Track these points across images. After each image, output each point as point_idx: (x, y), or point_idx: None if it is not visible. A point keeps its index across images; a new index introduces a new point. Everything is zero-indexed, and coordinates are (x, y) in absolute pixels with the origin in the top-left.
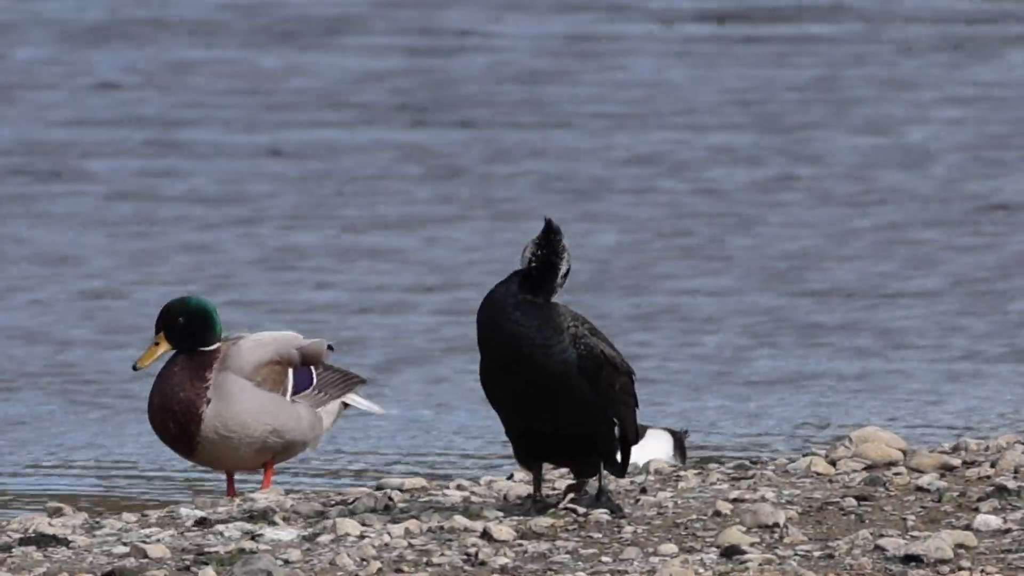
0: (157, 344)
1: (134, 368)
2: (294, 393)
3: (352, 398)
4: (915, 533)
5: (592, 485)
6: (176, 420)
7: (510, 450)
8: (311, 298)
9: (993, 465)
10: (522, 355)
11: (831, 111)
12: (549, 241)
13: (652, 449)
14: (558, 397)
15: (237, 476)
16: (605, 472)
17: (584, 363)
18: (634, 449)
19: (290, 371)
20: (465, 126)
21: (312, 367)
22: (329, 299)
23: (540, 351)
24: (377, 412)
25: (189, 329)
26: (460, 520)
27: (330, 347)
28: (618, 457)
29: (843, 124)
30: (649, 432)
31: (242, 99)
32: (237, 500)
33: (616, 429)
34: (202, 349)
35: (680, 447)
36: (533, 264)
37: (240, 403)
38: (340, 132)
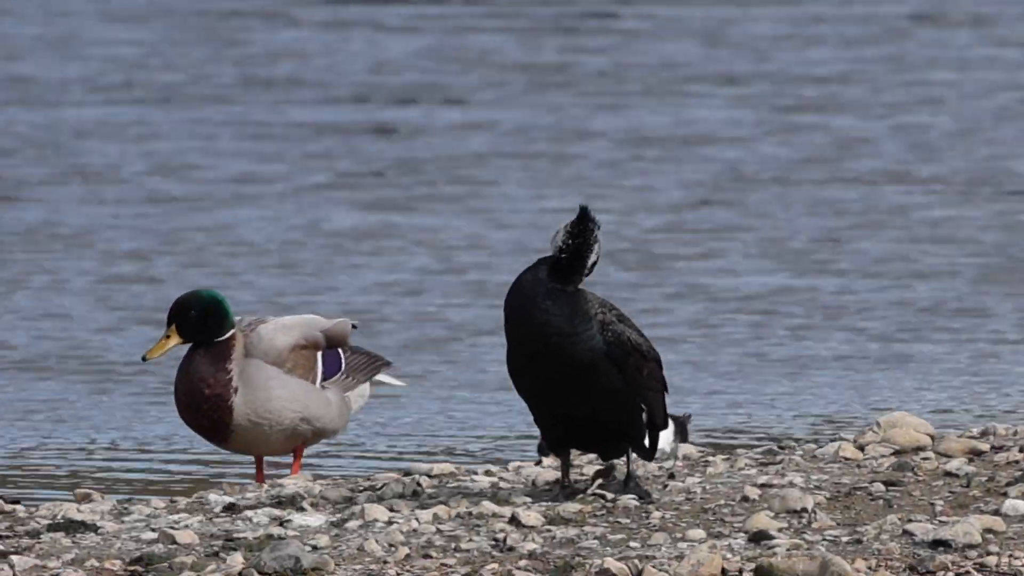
0: (168, 337)
1: (143, 359)
2: (324, 379)
3: (382, 376)
4: (943, 518)
5: (620, 471)
6: (207, 413)
7: (539, 435)
8: (344, 281)
9: (1022, 450)
10: (550, 343)
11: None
12: (582, 230)
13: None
14: (586, 384)
15: (266, 461)
16: (633, 457)
17: (612, 350)
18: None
19: (319, 356)
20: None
21: (340, 349)
22: (359, 281)
23: (568, 339)
24: (403, 385)
25: (201, 322)
26: (488, 506)
27: (354, 326)
28: (646, 442)
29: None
30: None
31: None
32: (265, 486)
33: (644, 415)
34: (216, 340)
35: (682, 431)
36: (563, 252)
37: (269, 390)
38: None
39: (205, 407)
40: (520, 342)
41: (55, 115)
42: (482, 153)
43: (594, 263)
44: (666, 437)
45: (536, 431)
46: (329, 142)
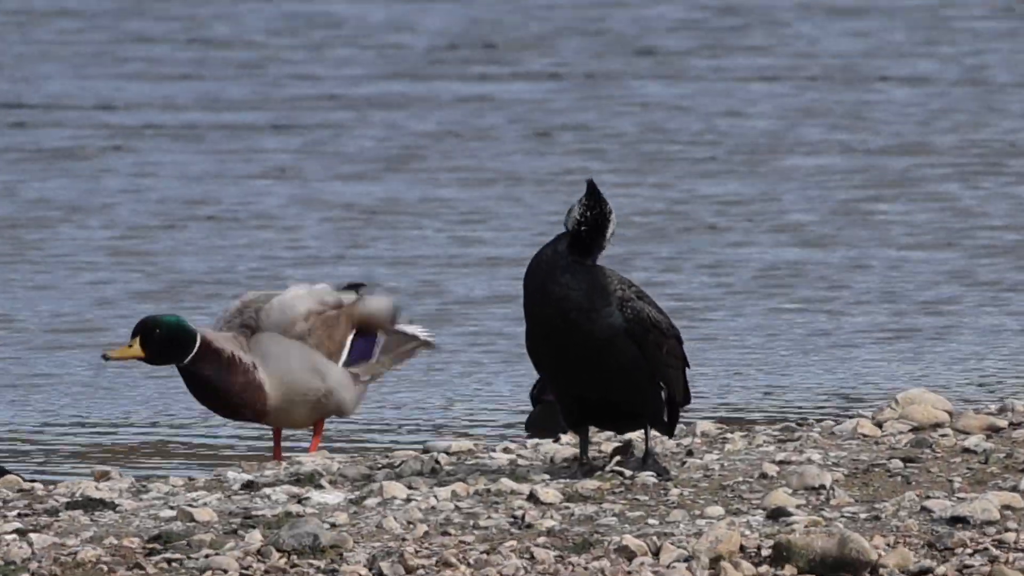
0: (130, 346)
1: (104, 357)
2: (351, 363)
3: (406, 328)
4: (962, 495)
5: (639, 448)
6: (250, 409)
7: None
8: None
9: None
10: (568, 319)
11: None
12: (598, 201)
13: None
14: (605, 361)
15: (286, 438)
16: (652, 434)
17: (631, 327)
18: None
19: (349, 339)
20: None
21: (378, 335)
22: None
23: (586, 315)
24: (428, 338)
25: (166, 342)
26: (507, 483)
27: (358, 287)
28: (666, 418)
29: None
30: None
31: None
32: (284, 463)
33: (664, 392)
34: (191, 356)
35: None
36: (583, 226)
37: (284, 360)
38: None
39: (244, 408)
40: (539, 318)
41: None
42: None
43: (611, 235)
44: None
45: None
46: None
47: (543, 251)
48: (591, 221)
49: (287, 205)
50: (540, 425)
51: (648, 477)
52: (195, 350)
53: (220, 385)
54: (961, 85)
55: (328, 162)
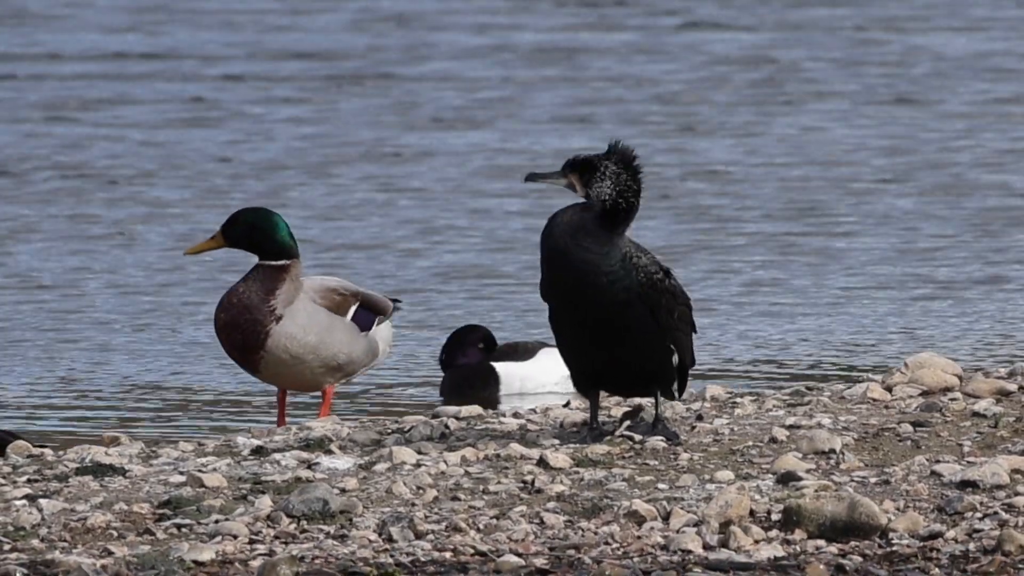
0: (213, 238)
1: (184, 253)
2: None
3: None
4: (971, 459)
5: (648, 412)
6: (243, 335)
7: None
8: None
9: None
10: (587, 281)
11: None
12: (635, 179)
13: (552, 371)
14: (619, 324)
15: (295, 405)
16: (662, 400)
17: (645, 292)
18: (535, 370)
19: (354, 306)
20: None
21: (377, 316)
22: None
23: (604, 278)
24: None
25: (247, 231)
26: (516, 448)
27: (396, 302)
28: (675, 384)
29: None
30: (546, 351)
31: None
32: (293, 429)
33: (675, 356)
34: (271, 264)
35: None
36: (620, 199)
37: (311, 324)
38: None
39: (244, 325)
40: (557, 279)
41: None
42: None
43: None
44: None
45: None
46: None
47: (563, 215)
48: (628, 197)
49: None
50: (454, 390)
51: (658, 442)
52: (283, 261)
53: (247, 296)
54: None
55: None
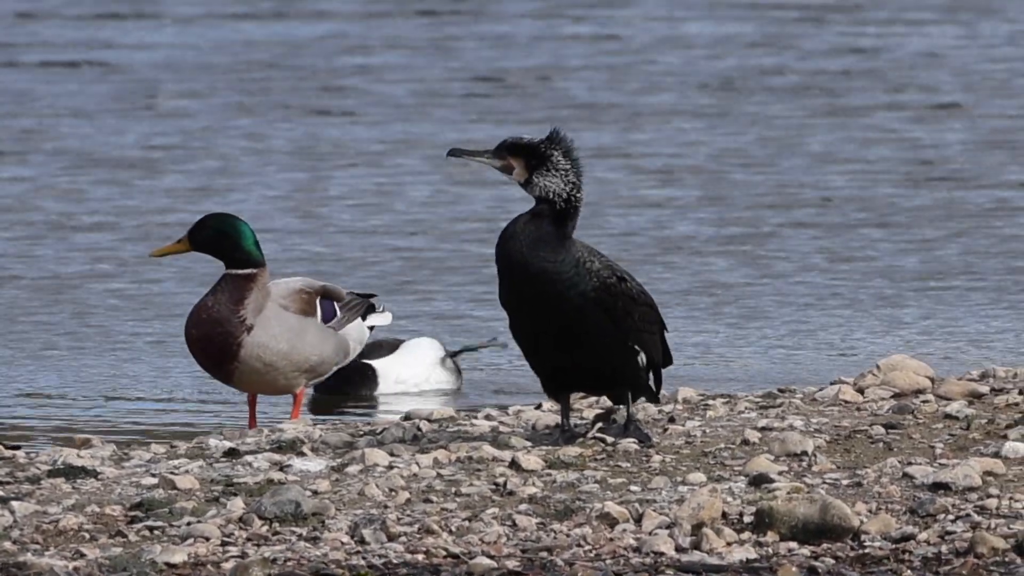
0: (179, 242)
1: (149, 255)
2: (323, 322)
3: (371, 319)
4: (943, 461)
5: (620, 415)
6: (216, 347)
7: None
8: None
9: (1021, 392)
10: (545, 291)
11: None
12: (579, 176)
13: (410, 365)
14: (576, 329)
15: (266, 407)
16: (636, 401)
17: (600, 296)
18: (394, 366)
19: (318, 300)
20: None
21: (335, 302)
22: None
23: (560, 286)
24: (387, 322)
25: (215, 239)
26: (488, 450)
27: (371, 296)
28: (652, 383)
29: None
30: (408, 345)
31: None
32: (266, 431)
33: (641, 356)
34: (238, 273)
35: (455, 367)
36: (569, 200)
37: (282, 332)
38: None
39: (216, 339)
40: (515, 289)
41: None
42: None
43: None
44: (423, 370)
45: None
46: None
47: (517, 225)
48: (577, 198)
49: None
50: (333, 388)
51: (630, 444)
52: (249, 270)
53: (215, 309)
54: None
55: None
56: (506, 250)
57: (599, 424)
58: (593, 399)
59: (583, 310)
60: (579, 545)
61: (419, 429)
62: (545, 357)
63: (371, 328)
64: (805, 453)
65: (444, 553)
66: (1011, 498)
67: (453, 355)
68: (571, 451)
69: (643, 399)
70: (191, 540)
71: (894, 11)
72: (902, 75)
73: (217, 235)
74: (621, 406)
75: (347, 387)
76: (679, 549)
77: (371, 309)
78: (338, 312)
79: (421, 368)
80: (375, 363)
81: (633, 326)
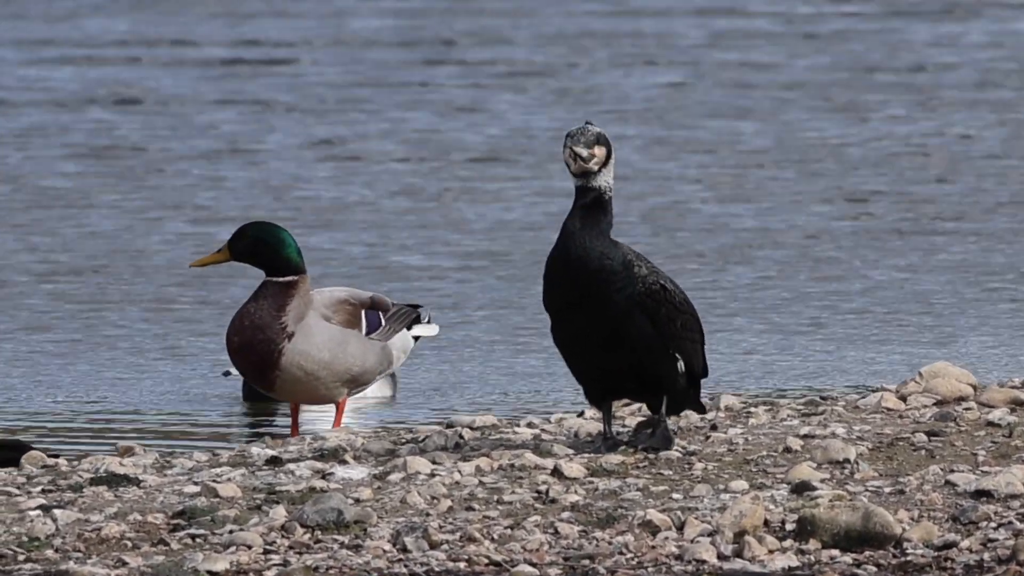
0: (219, 251)
1: (189, 265)
2: (368, 333)
3: (416, 329)
4: (986, 468)
5: (654, 421)
6: (257, 355)
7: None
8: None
9: None
10: (596, 289)
11: None
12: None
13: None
14: (620, 333)
15: (310, 415)
16: (678, 413)
17: (644, 301)
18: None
19: (363, 312)
20: None
21: (380, 312)
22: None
23: (611, 285)
24: (434, 332)
25: (253, 246)
26: (531, 458)
27: (416, 307)
28: (692, 394)
29: None
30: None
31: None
32: (308, 439)
33: (680, 364)
34: (278, 280)
35: (393, 384)
36: (610, 191)
37: (323, 341)
38: None
39: (257, 346)
40: (565, 288)
41: None
42: None
43: None
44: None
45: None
46: None
47: (575, 221)
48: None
49: None
50: (257, 393)
51: (651, 446)
52: (291, 277)
53: (258, 316)
54: None
55: None
56: (567, 247)
57: (641, 432)
58: (636, 407)
59: (629, 314)
60: (621, 553)
61: (461, 437)
62: (587, 362)
63: (416, 338)
64: (847, 461)
65: (486, 561)
66: None
67: None
68: (613, 459)
69: (686, 411)
70: (233, 548)
71: None
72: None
73: (256, 243)
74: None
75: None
76: (721, 557)
77: (416, 320)
78: (383, 323)
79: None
80: None
81: (675, 333)
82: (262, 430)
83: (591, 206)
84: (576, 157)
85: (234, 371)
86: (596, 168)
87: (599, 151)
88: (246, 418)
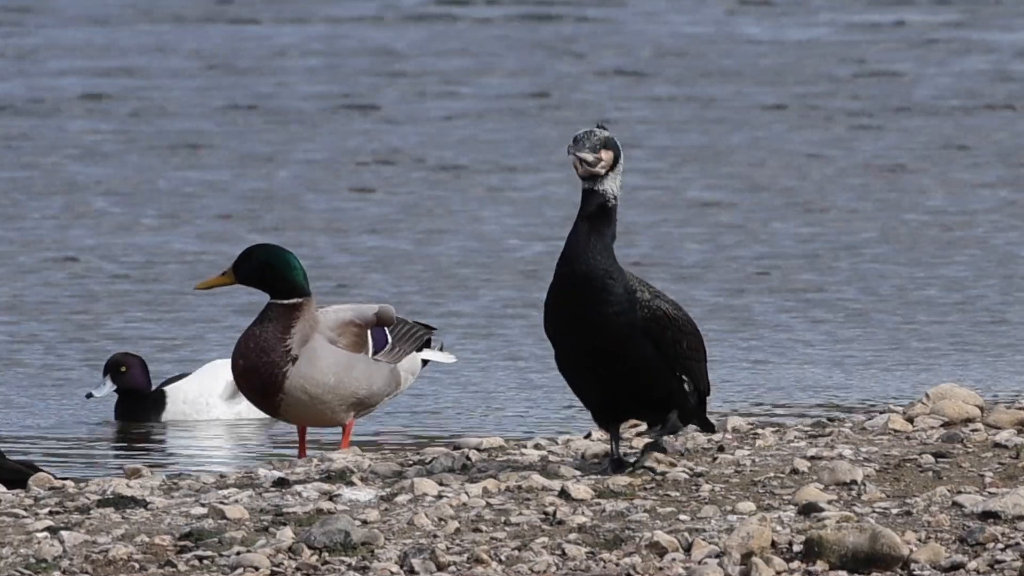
0: (224, 274)
1: (194, 289)
2: (374, 352)
3: (426, 353)
4: (993, 490)
5: (667, 443)
6: (261, 378)
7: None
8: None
9: None
10: (596, 311)
11: None
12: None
13: (198, 389)
14: (622, 358)
15: (316, 436)
16: (684, 426)
17: (648, 325)
18: (181, 390)
19: (369, 332)
20: None
21: (385, 328)
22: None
23: (607, 311)
24: (450, 361)
25: (259, 270)
26: (538, 479)
27: (431, 329)
28: (699, 412)
29: None
30: (202, 368)
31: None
32: (315, 460)
33: (687, 385)
34: (283, 303)
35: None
36: (615, 198)
37: (327, 365)
38: None
39: (261, 368)
40: (567, 305)
41: None
42: None
43: None
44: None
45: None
46: None
47: (580, 235)
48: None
49: None
50: (127, 414)
51: (651, 463)
52: (295, 300)
53: (262, 339)
54: None
55: None
56: (572, 260)
57: (648, 454)
58: (643, 427)
59: (630, 337)
60: (629, 574)
61: (468, 459)
62: (591, 386)
63: (425, 362)
64: (855, 482)
65: None
66: None
67: None
68: (620, 480)
69: (693, 427)
70: (240, 570)
71: None
72: None
73: (263, 266)
74: (667, 436)
75: (138, 413)
76: None
77: (428, 342)
78: (389, 339)
79: (211, 391)
80: (166, 388)
81: (681, 354)
82: (136, 451)
83: (596, 215)
84: (581, 161)
85: (97, 392)
86: (603, 172)
87: (606, 155)
88: (118, 438)
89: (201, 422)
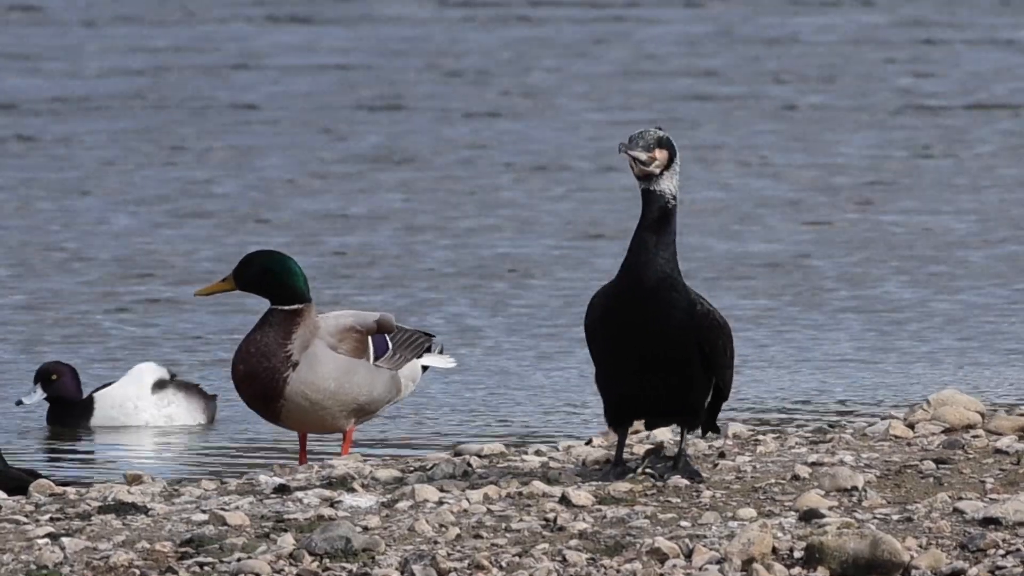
0: (225, 280)
1: (195, 294)
2: (375, 359)
3: (427, 359)
4: (994, 496)
5: (670, 449)
6: (262, 384)
7: (589, 416)
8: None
9: None
10: (651, 319)
11: None
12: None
13: (124, 393)
14: (675, 363)
15: (317, 443)
16: (689, 437)
17: (704, 335)
18: (108, 395)
19: (369, 339)
20: None
21: (386, 335)
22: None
23: (669, 323)
24: (450, 365)
25: (259, 276)
26: (538, 485)
27: (429, 335)
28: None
29: None
30: (129, 372)
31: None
32: (316, 467)
33: (712, 391)
34: (283, 308)
35: (209, 409)
36: (674, 199)
37: (328, 371)
38: None
39: (262, 374)
40: (627, 315)
41: None
42: None
43: None
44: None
45: (588, 412)
46: None
47: (647, 238)
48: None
49: None
50: (58, 419)
51: (680, 480)
52: (296, 306)
53: (263, 344)
54: None
55: None
56: (639, 267)
57: (650, 458)
58: (644, 434)
59: (684, 344)
60: None
61: (469, 465)
62: (625, 382)
63: (424, 368)
64: (855, 488)
65: None
66: None
67: (175, 378)
68: (621, 486)
69: (696, 433)
70: None
71: None
72: None
73: (264, 273)
74: (669, 442)
75: (67, 419)
76: None
77: (428, 348)
78: (390, 346)
79: (138, 395)
80: (95, 394)
81: (723, 363)
82: (66, 455)
83: (659, 221)
84: (635, 160)
85: (27, 400)
86: (658, 171)
87: (660, 154)
88: (49, 443)
89: (131, 427)
